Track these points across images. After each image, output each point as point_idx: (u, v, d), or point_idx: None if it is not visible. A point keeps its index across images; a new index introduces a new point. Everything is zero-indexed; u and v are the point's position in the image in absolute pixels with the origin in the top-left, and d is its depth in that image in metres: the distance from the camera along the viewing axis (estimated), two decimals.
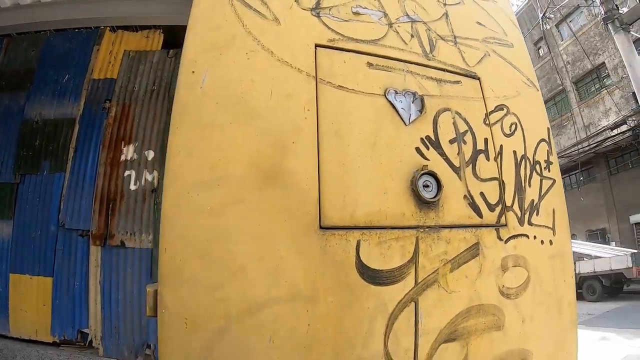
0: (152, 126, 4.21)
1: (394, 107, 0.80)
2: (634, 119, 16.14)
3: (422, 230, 0.75)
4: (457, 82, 0.90)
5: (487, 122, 0.88)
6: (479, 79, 0.92)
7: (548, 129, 1.04)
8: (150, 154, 4.13)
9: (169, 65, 4.45)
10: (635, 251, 15.09)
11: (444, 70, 0.89)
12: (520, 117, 0.98)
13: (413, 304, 0.71)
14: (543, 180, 0.97)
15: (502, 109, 0.96)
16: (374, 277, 0.69)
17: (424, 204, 0.73)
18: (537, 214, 0.92)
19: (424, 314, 0.71)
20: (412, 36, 0.87)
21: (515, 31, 1.12)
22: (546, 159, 1.00)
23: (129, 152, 4.13)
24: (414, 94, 0.82)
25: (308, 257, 0.65)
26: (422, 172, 0.74)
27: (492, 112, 0.93)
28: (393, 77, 0.81)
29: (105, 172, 4.09)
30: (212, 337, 0.57)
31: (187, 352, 0.56)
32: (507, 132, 0.94)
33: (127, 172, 4.09)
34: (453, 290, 0.77)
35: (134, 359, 3.83)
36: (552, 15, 17.77)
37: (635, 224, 18.19)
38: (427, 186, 0.75)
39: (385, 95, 0.79)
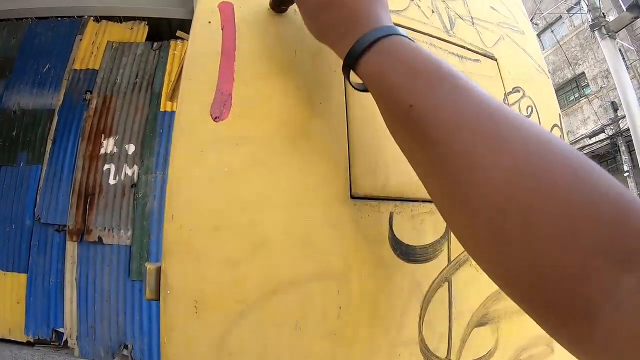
0: (134, 119, 4.11)
1: None
2: (611, 127, 16.48)
3: None
4: (477, 60, 0.87)
5: (507, 102, 0.84)
6: (496, 60, 0.89)
7: (559, 114, 1.03)
8: (131, 148, 4.02)
9: (153, 57, 4.35)
10: None
11: (463, 47, 0.85)
12: (535, 101, 0.95)
13: (447, 284, 0.65)
14: None
15: (519, 91, 0.93)
16: (407, 253, 0.62)
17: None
18: None
19: (457, 295, 0.66)
20: (432, 12, 0.83)
21: (524, 19, 1.10)
22: None
23: (108, 146, 4.02)
24: None
25: (339, 229, 0.58)
26: None
27: (510, 92, 0.90)
28: None
29: (83, 166, 3.97)
30: (228, 323, 0.49)
31: (197, 341, 0.48)
32: (525, 114, 0.92)
33: (106, 166, 3.97)
34: None
35: (111, 359, 3.71)
36: (538, 22, 18.08)
37: None
38: None
39: None
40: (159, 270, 0.51)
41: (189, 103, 0.56)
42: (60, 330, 3.82)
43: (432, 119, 0.41)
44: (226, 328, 0.50)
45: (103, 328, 3.76)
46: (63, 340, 3.80)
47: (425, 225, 0.67)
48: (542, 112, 0.97)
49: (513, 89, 0.93)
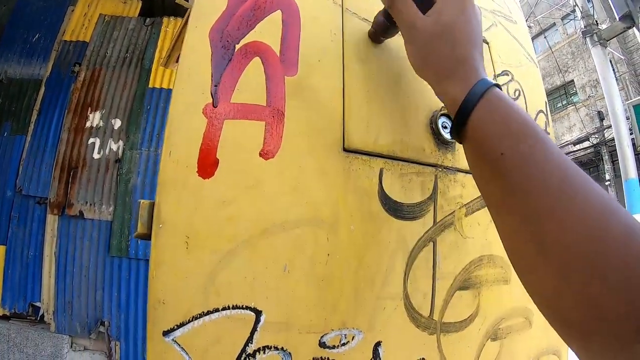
0: (122, 94, 4.05)
1: None
2: (596, 136, 16.72)
3: (440, 169, 0.72)
4: None
5: (496, 82, 0.86)
6: (487, 43, 0.91)
7: (545, 102, 1.06)
8: (117, 123, 3.97)
9: (145, 33, 4.29)
10: None
11: None
12: (522, 86, 0.98)
13: (432, 244, 0.67)
14: None
15: (507, 75, 0.95)
16: (395, 209, 0.63)
17: (442, 144, 0.69)
18: None
19: (441, 257, 0.67)
20: None
21: (517, 10, 1.13)
22: (544, 128, 1.00)
23: (94, 119, 3.96)
24: None
25: (331, 178, 0.58)
26: (441, 112, 0.70)
27: (499, 75, 0.92)
28: None
29: (68, 138, 3.91)
30: (217, 261, 0.49)
31: (186, 276, 0.47)
32: (512, 96, 0.94)
33: (91, 140, 3.91)
34: (467, 235, 0.73)
35: (87, 335, 3.68)
36: (532, 25, 18.22)
37: None
38: (446, 127, 0.72)
39: None
40: (152, 205, 0.50)
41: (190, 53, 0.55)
42: (37, 304, 3.77)
43: (522, 169, 0.45)
44: (215, 265, 0.50)
45: (80, 304, 3.71)
46: (40, 315, 3.74)
47: (413, 184, 0.68)
48: (529, 97, 1.00)
49: (502, 72, 0.95)
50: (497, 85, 0.53)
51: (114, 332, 3.69)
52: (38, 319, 3.74)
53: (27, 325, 3.72)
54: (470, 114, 0.51)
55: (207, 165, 0.52)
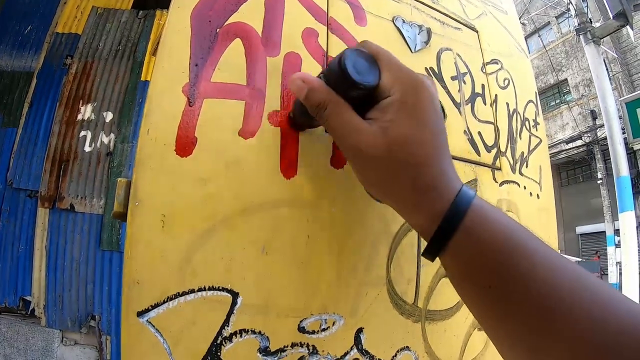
0: (113, 87, 4.02)
1: (401, 34, 0.77)
2: (589, 135, 16.81)
3: None
4: (458, 28, 0.89)
5: (484, 70, 0.86)
6: (477, 32, 0.91)
7: (536, 92, 1.06)
8: (109, 116, 3.94)
9: (138, 26, 4.26)
10: (580, 259, 15.80)
11: (446, 15, 0.87)
12: (512, 75, 0.99)
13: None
14: (531, 137, 0.98)
15: (497, 63, 0.95)
16: None
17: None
18: (527, 167, 0.92)
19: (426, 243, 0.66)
20: None
21: (508, 1, 1.13)
22: (534, 118, 1.01)
23: (86, 112, 3.92)
24: (420, 26, 0.80)
25: (312, 159, 0.57)
26: None
27: (488, 63, 0.92)
28: (401, 9, 0.80)
29: (59, 131, 3.88)
30: (194, 240, 0.48)
31: (161, 256, 0.46)
32: (502, 85, 0.94)
33: (82, 133, 3.88)
34: None
35: (78, 330, 3.66)
36: (525, 22, 18.27)
37: (581, 234, 19.03)
38: None
39: (393, 21, 0.76)
40: (129, 184, 0.49)
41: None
42: (28, 298, 3.74)
43: (509, 298, 0.41)
44: (192, 245, 0.49)
45: (71, 298, 3.69)
46: (30, 309, 3.72)
47: None
48: (519, 86, 1.00)
49: (491, 60, 0.95)
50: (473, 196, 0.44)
51: (105, 326, 3.67)
52: (29, 313, 3.72)
53: (18, 320, 3.70)
54: (447, 243, 0.43)
55: (186, 143, 0.51)
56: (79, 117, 3.91)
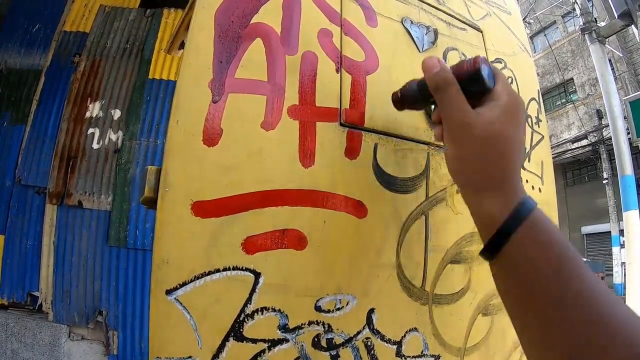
0: (121, 85, 4.05)
1: (409, 34, 0.80)
2: (595, 135, 16.74)
3: (432, 147, 0.75)
4: (463, 29, 0.92)
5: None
6: (481, 32, 0.94)
7: (538, 90, 1.09)
8: (117, 113, 3.97)
9: (145, 24, 4.29)
10: (585, 259, 15.71)
11: (452, 16, 0.90)
12: (515, 74, 1.02)
13: (424, 217, 0.70)
14: (534, 133, 1.01)
15: (501, 62, 0.98)
16: (389, 182, 0.67)
17: (434, 124, 0.73)
18: (529, 161, 0.96)
19: (433, 230, 0.71)
20: None
21: (513, 3, 1.16)
22: (536, 115, 1.04)
23: (94, 110, 3.96)
24: (427, 27, 0.83)
25: (328, 150, 0.61)
26: None
27: (492, 62, 0.95)
28: (409, 10, 0.83)
29: (68, 128, 3.91)
30: (220, 223, 0.52)
31: (190, 237, 0.50)
32: None
33: (90, 130, 3.91)
34: (459, 212, 0.76)
35: (85, 325, 3.69)
36: (531, 21, 18.23)
37: (586, 234, 18.96)
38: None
39: (402, 22, 0.79)
40: (159, 171, 0.53)
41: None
42: (35, 293, 3.78)
43: (565, 301, 0.44)
44: (218, 227, 0.53)
45: (78, 293, 3.72)
46: (38, 305, 3.75)
47: (406, 160, 0.72)
48: (522, 85, 1.03)
49: (495, 59, 0.98)
50: (535, 206, 0.50)
51: (112, 321, 3.70)
52: (36, 308, 3.75)
53: (26, 315, 3.72)
54: (510, 236, 0.48)
55: (212, 134, 0.55)
56: (87, 114, 3.94)
